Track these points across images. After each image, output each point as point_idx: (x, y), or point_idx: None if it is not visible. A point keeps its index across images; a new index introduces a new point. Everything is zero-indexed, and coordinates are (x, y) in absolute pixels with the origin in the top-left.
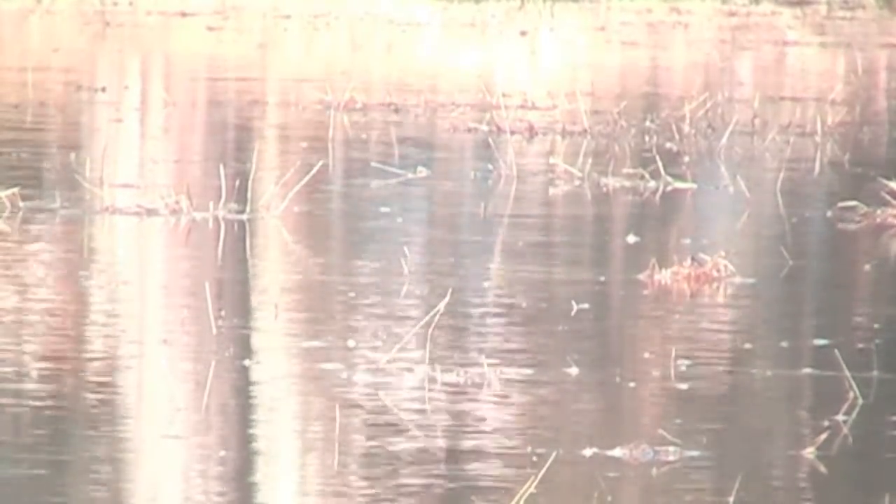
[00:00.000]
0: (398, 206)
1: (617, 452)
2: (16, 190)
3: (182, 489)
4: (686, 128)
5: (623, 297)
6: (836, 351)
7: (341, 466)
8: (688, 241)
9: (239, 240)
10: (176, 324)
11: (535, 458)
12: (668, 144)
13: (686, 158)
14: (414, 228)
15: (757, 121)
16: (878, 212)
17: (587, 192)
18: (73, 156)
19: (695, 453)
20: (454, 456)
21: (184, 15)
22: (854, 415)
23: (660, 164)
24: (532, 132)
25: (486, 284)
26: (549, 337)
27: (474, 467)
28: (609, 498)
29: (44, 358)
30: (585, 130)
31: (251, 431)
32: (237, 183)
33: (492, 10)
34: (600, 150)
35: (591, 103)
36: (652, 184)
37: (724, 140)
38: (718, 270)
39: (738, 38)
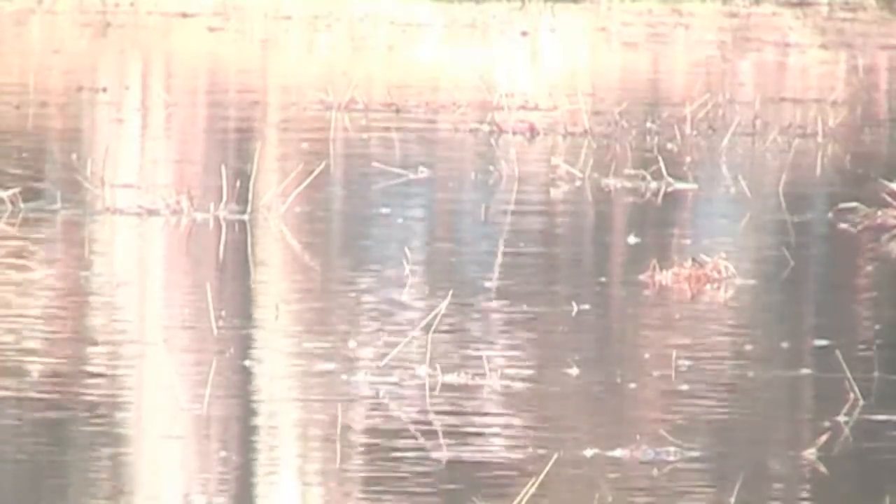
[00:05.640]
0: (399, 206)
1: (618, 453)
2: (17, 190)
3: (183, 489)
4: (687, 129)
5: (624, 297)
6: (836, 352)
7: (342, 466)
8: (688, 241)
9: (240, 240)
10: (176, 324)
11: (536, 459)
12: (670, 145)
13: (687, 159)
14: (415, 229)
15: (758, 122)
16: (879, 213)
17: (588, 193)
18: (74, 156)
19: (695, 453)
20: (455, 456)
21: (185, 16)
22: (854, 415)
23: (661, 164)
24: (533, 133)
25: (486, 285)
26: (549, 337)
27: (475, 468)
28: (610, 498)
29: (45, 358)
30: (586, 131)
31: (252, 431)
32: (238, 183)
33: (492, 11)
34: (601, 151)
35: (593, 104)
36: (653, 185)
37: (725, 141)
38: (719, 271)
39: (739, 40)
